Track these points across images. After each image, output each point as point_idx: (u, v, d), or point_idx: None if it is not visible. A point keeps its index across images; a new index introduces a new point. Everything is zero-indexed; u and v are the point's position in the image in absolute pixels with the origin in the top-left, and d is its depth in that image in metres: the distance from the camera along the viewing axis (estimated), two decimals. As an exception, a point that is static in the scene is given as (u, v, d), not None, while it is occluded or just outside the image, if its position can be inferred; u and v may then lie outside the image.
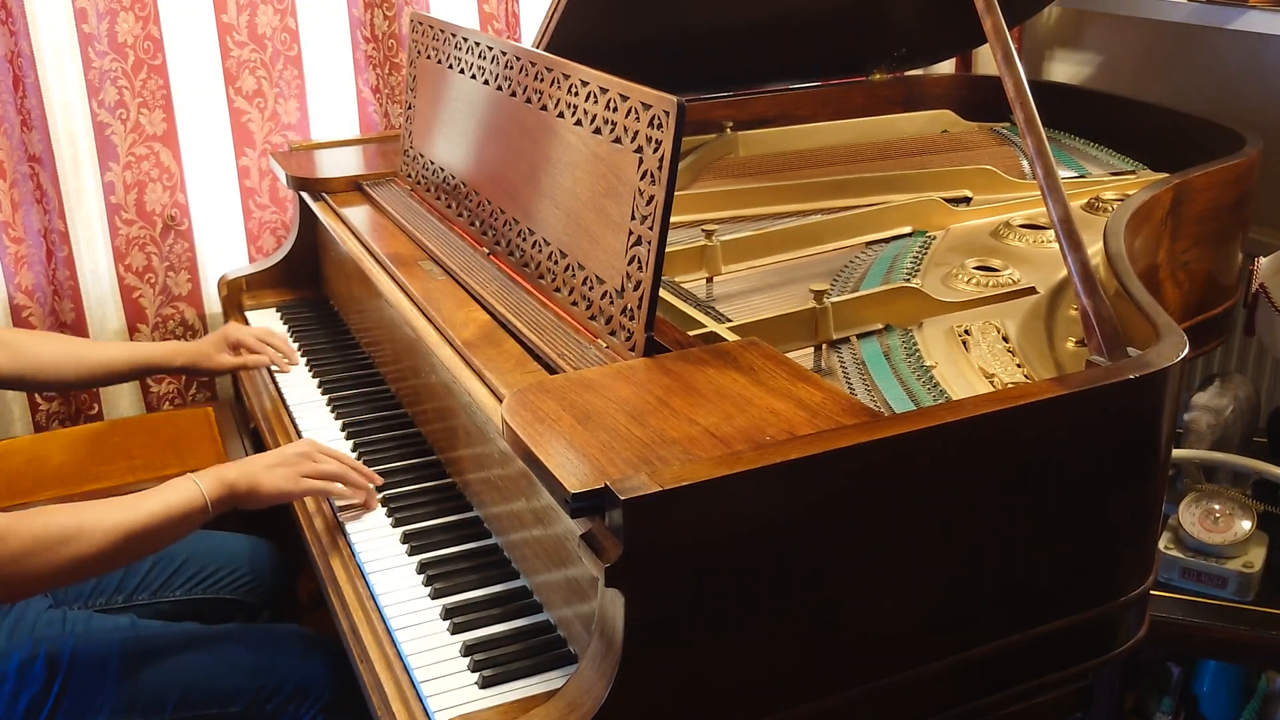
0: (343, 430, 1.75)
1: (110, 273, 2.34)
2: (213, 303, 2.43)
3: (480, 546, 1.44)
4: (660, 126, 1.29)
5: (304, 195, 2.13)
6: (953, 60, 2.76)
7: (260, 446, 1.94)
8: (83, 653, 1.40)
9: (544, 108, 1.55)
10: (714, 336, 1.43)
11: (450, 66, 1.88)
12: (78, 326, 2.33)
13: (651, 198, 1.29)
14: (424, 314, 1.56)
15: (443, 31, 1.93)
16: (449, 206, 1.84)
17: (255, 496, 1.42)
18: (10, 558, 1.21)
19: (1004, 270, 1.70)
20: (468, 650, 1.23)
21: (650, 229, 1.28)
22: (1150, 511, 1.27)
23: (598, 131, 1.41)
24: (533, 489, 1.28)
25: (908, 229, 1.93)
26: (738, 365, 1.25)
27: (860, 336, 1.54)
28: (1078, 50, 2.69)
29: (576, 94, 1.47)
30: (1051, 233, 1.71)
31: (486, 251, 1.68)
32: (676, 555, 1.02)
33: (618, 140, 1.37)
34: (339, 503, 1.52)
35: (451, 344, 1.45)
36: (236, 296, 2.25)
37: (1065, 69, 2.73)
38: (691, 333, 1.44)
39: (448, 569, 1.39)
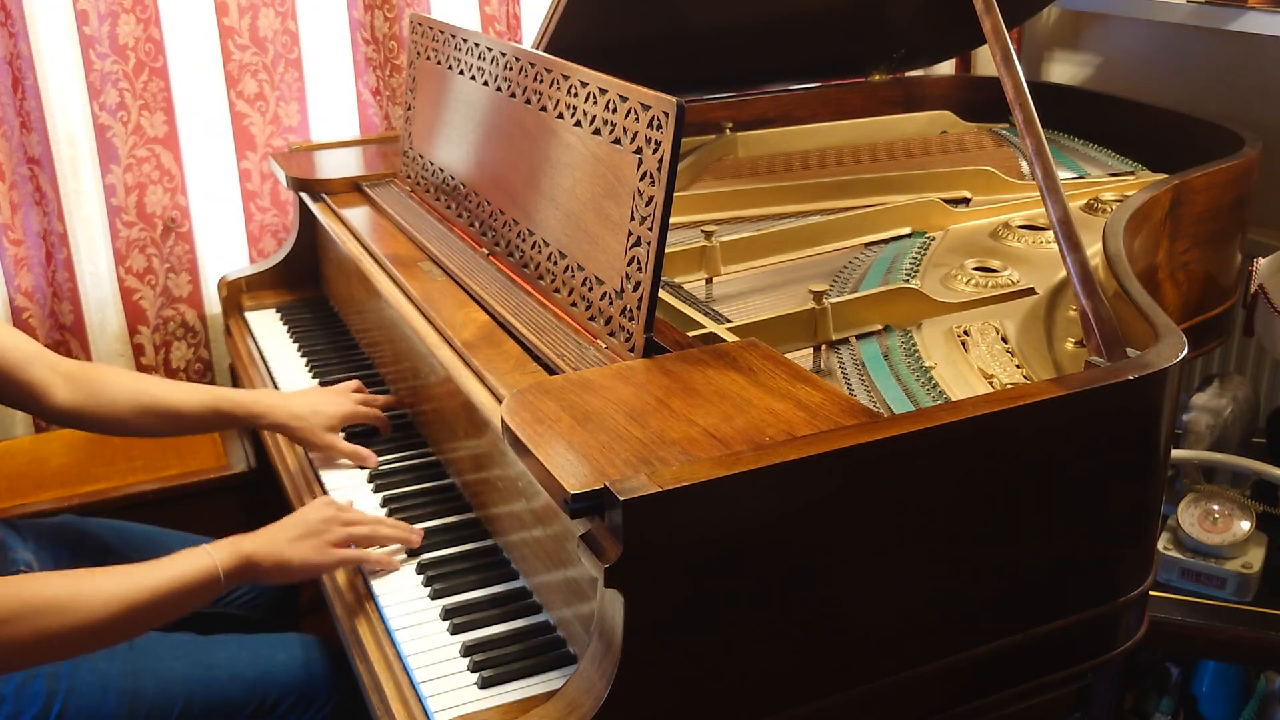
0: (342, 431, 1.75)
1: (110, 275, 2.34)
2: (213, 305, 2.43)
3: (480, 547, 1.44)
4: (660, 127, 1.29)
5: (304, 196, 2.14)
6: (952, 61, 2.76)
7: (260, 447, 1.95)
8: (82, 669, 1.38)
9: (543, 109, 1.55)
10: (713, 337, 1.43)
11: (450, 68, 1.88)
12: (77, 329, 2.33)
13: (651, 198, 1.29)
14: (423, 315, 1.56)
15: (442, 33, 1.93)
16: (449, 207, 1.84)
17: (283, 572, 1.35)
18: None
19: (1003, 271, 1.70)
20: (467, 651, 1.23)
21: (650, 230, 1.28)
22: (1149, 512, 1.27)
23: (597, 132, 1.41)
24: (532, 489, 1.28)
25: (907, 230, 1.94)
26: (737, 366, 1.25)
27: (859, 337, 1.54)
28: (1077, 51, 2.69)
29: (576, 95, 1.47)
30: (1050, 233, 1.71)
31: (486, 252, 1.68)
32: (676, 556, 1.02)
33: (617, 141, 1.37)
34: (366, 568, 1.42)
35: (451, 345, 1.46)
36: (236, 297, 2.25)
37: (1064, 70, 2.73)
38: (691, 333, 1.44)
39: (447, 569, 1.39)
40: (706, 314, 1.57)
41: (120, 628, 1.24)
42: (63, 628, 1.18)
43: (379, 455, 1.67)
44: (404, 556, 1.42)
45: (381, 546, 1.42)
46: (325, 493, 1.57)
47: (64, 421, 1.60)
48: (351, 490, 1.58)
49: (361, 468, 1.64)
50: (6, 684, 1.35)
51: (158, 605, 1.25)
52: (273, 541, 1.35)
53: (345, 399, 1.73)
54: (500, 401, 1.23)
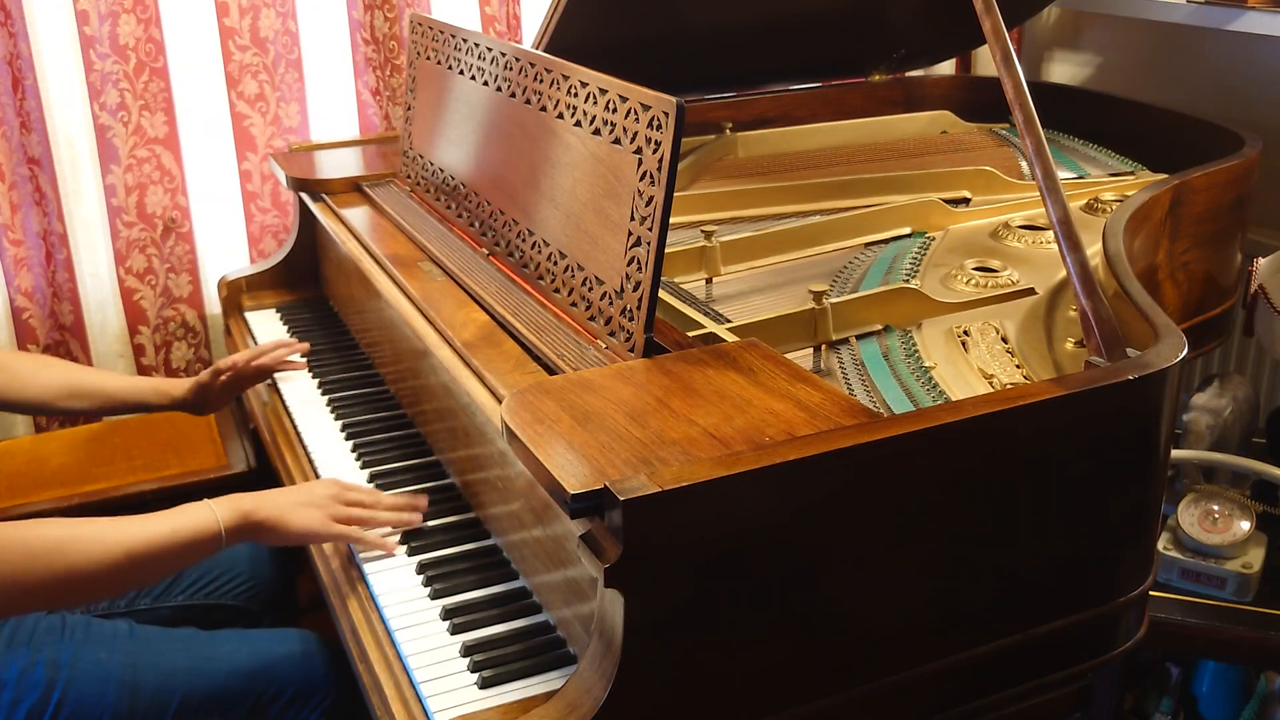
0: (342, 431, 1.75)
1: (111, 275, 2.34)
2: (214, 304, 2.43)
3: (480, 547, 1.44)
4: (660, 127, 1.29)
5: (304, 196, 2.14)
6: (952, 61, 2.76)
7: (260, 447, 1.95)
8: (83, 659, 1.39)
9: (543, 109, 1.55)
10: (713, 337, 1.43)
11: (450, 68, 1.88)
12: (77, 329, 2.33)
13: (651, 198, 1.29)
14: (423, 315, 1.56)
15: (442, 33, 1.93)
16: (449, 207, 1.84)
17: (280, 533, 1.37)
18: None
19: (1003, 271, 1.70)
20: (467, 651, 1.24)
21: (650, 230, 1.28)
22: (1149, 512, 1.27)
23: (597, 132, 1.41)
24: (532, 489, 1.28)
25: (907, 230, 1.94)
26: (737, 366, 1.25)
27: (859, 337, 1.54)
28: (1077, 51, 2.69)
29: (576, 95, 1.48)
30: (1050, 234, 1.71)
31: (486, 252, 1.68)
32: (676, 556, 1.02)
33: (617, 141, 1.37)
34: (360, 550, 1.44)
35: (451, 345, 1.46)
36: (236, 297, 2.25)
37: (1064, 70, 2.73)
38: (691, 333, 1.44)
39: (447, 569, 1.39)
40: (706, 314, 1.57)
41: (122, 575, 1.25)
42: (66, 570, 1.20)
43: (379, 456, 1.67)
44: (402, 551, 1.43)
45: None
46: None
47: None
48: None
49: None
50: (7, 670, 1.36)
51: (158, 555, 1.27)
52: (276, 504, 1.38)
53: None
54: (500, 401, 1.23)
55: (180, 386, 1.85)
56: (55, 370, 1.77)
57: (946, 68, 2.77)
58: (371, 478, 1.61)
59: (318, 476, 1.64)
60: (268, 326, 2.16)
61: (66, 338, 2.34)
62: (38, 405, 1.75)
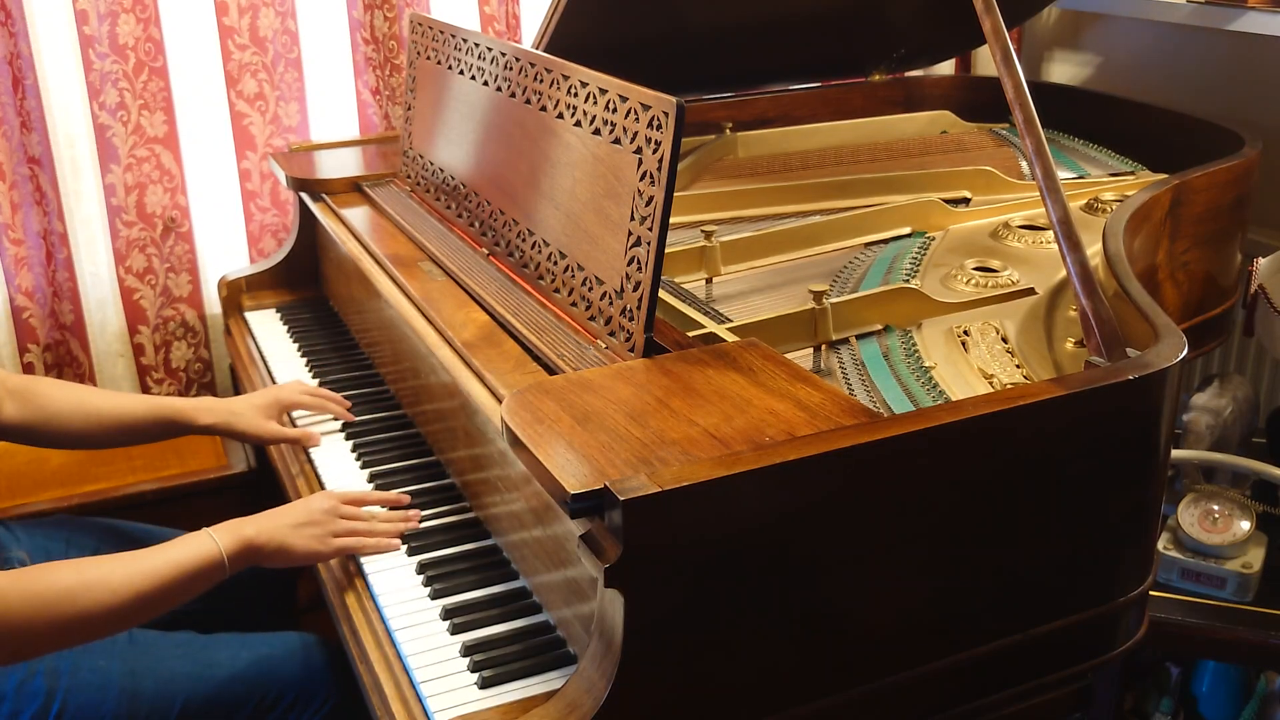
0: (342, 430, 1.75)
1: (110, 274, 2.34)
2: (214, 304, 2.43)
3: (480, 547, 1.44)
4: (660, 127, 1.29)
5: (304, 196, 2.14)
6: (952, 61, 2.76)
7: (260, 448, 1.95)
8: (82, 667, 1.38)
9: (543, 109, 1.55)
10: (713, 337, 1.43)
11: (450, 67, 1.88)
12: (77, 328, 2.33)
13: (651, 198, 1.29)
14: (424, 315, 1.56)
15: (442, 33, 1.93)
16: (449, 207, 1.84)
17: (284, 557, 1.37)
18: (9, 618, 1.16)
19: (1003, 271, 1.70)
20: (467, 651, 1.24)
21: (649, 230, 1.28)
22: (1149, 512, 1.27)
23: (597, 132, 1.41)
24: (532, 489, 1.28)
25: (907, 230, 1.94)
26: (737, 366, 1.25)
27: (859, 337, 1.54)
28: (1077, 51, 2.69)
29: (576, 95, 1.47)
30: (1050, 233, 1.71)
31: (486, 252, 1.68)
32: (676, 556, 1.02)
33: (617, 141, 1.37)
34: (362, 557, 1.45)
35: (451, 345, 1.46)
36: (236, 297, 2.25)
37: (1064, 70, 2.73)
38: (691, 333, 1.44)
39: (447, 569, 1.39)
40: (706, 314, 1.57)
41: (129, 614, 1.25)
42: (73, 617, 1.20)
43: (379, 456, 1.67)
44: (402, 551, 1.43)
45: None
46: (324, 489, 1.58)
47: (11, 437, 1.60)
48: (351, 489, 1.58)
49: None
50: (7, 681, 1.35)
51: (164, 591, 1.27)
52: (275, 527, 1.37)
53: (285, 388, 1.78)
54: (500, 401, 1.23)
55: (218, 407, 1.71)
56: (72, 392, 1.64)
57: (946, 68, 2.76)
58: (371, 478, 1.62)
59: (318, 476, 1.64)
60: (268, 327, 2.16)
61: (66, 337, 2.34)
62: (54, 431, 1.61)
